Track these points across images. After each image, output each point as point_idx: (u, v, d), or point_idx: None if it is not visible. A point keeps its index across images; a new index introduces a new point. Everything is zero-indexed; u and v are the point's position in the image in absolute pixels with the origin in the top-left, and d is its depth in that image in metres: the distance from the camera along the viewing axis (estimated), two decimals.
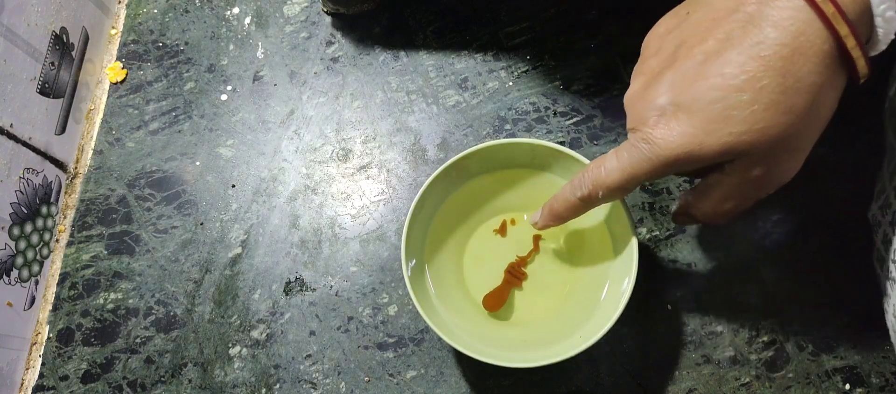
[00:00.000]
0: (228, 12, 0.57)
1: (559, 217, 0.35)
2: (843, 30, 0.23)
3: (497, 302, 0.42)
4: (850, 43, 0.24)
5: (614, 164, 0.29)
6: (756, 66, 0.24)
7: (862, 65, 0.24)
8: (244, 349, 0.47)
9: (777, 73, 0.23)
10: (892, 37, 0.24)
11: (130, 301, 0.49)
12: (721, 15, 0.25)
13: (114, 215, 0.51)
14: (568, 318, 0.41)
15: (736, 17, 0.24)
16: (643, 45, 0.29)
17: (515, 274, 0.43)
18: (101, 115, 0.55)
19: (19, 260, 0.48)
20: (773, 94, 0.24)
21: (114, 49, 0.57)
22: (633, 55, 0.33)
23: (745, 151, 0.25)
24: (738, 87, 0.24)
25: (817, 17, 0.23)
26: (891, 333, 0.35)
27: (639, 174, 0.28)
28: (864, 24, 0.24)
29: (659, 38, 0.28)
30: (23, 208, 0.49)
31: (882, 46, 0.25)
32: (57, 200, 0.52)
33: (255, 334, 0.47)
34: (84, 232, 0.51)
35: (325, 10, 0.55)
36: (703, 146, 0.25)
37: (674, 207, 0.35)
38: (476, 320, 0.42)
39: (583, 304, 0.41)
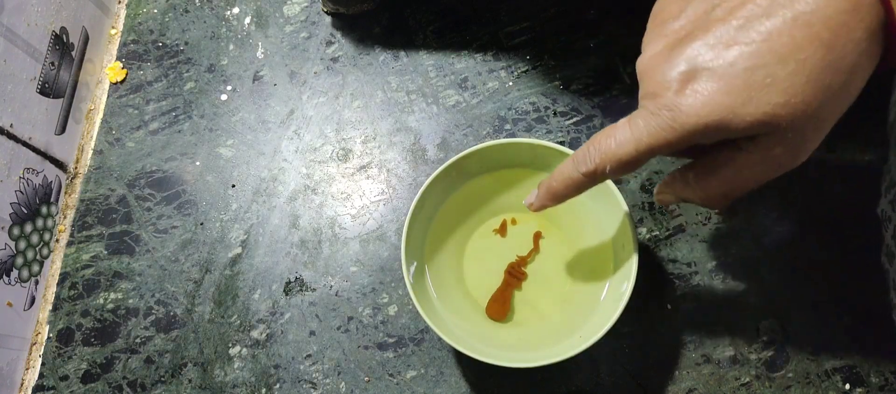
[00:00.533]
0: (228, 12, 0.57)
1: (557, 196, 0.32)
2: None
3: (502, 309, 0.42)
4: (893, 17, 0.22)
5: (627, 134, 0.26)
6: (802, 35, 0.22)
7: None
8: (244, 349, 0.47)
9: (822, 46, 0.22)
10: None
11: (130, 301, 0.49)
12: None
13: (114, 215, 0.51)
14: (568, 318, 0.41)
15: None
16: (657, 8, 0.26)
17: (515, 274, 0.43)
18: (101, 115, 0.55)
19: (19, 260, 0.48)
20: (816, 67, 0.22)
21: (114, 49, 0.57)
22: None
23: (777, 124, 0.23)
24: (782, 56, 0.22)
25: None
26: None
27: (656, 146, 0.25)
28: None
29: (682, 1, 0.25)
30: (23, 208, 0.49)
31: None
32: (57, 200, 0.52)
33: (255, 334, 0.47)
34: (84, 232, 0.51)
35: (325, 10, 0.55)
36: (737, 116, 0.23)
37: (660, 185, 0.31)
38: (476, 320, 0.42)
39: (583, 304, 0.41)
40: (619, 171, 0.27)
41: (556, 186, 0.31)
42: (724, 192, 0.27)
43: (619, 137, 0.26)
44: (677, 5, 0.25)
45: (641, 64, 0.26)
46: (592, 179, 0.29)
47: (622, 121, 0.26)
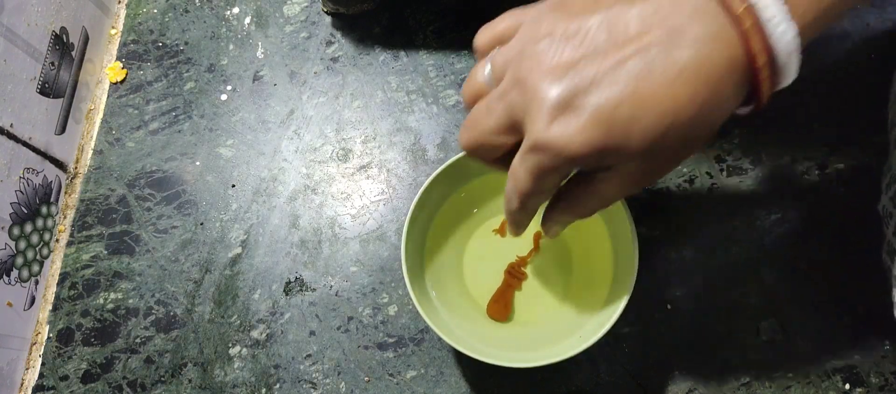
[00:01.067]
0: (228, 12, 0.57)
1: (518, 225, 0.33)
2: (761, 61, 0.23)
3: (502, 310, 0.42)
4: (764, 84, 0.24)
5: (519, 173, 0.28)
6: (681, 89, 0.24)
7: (767, 91, 0.25)
8: (244, 349, 0.47)
9: (696, 100, 0.24)
10: (795, 75, 0.24)
11: (130, 301, 0.49)
12: (648, 24, 0.24)
13: (114, 215, 0.51)
14: (568, 318, 0.41)
15: (660, 29, 0.24)
16: (544, 14, 0.27)
17: (515, 274, 0.43)
18: (101, 115, 0.55)
19: (19, 260, 0.48)
20: (684, 117, 0.24)
21: (114, 49, 0.57)
22: None
23: (635, 157, 0.25)
24: (655, 103, 0.24)
25: (737, 38, 0.23)
26: None
27: (549, 175, 0.27)
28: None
29: (583, 18, 0.26)
30: (23, 208, 0.49)
31: (787, 82, 0.25)
32: (57, 200, 0.52)
33: (255, 334, 0.47)
34: (84, 232, 0.51)
35: (325, 10, 0.55)
36: (612, 150, 0.25)
37: (541, 224, 0.34)
38: (476, 319, 0.42)
39: (583, 304, 0.41)
40: (534, 201, 0.29)
41: (509, 219, 0.33)
42: (592, 209, 0.30)
43: (518, 176, 0.28)
44: (576, 23, 0.26)
45: (520, 66, 0.27)
46: (526, 213, 0.31)
47: (517, 157, 0.28)
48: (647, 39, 0.24)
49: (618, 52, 0.24)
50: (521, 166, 0.27)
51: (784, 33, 0.23)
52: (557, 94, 0.24)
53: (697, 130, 0.25)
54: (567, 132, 0.24)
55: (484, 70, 0.29)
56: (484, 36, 0.29)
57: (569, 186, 0.30)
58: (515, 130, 0.27)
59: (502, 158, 0.29)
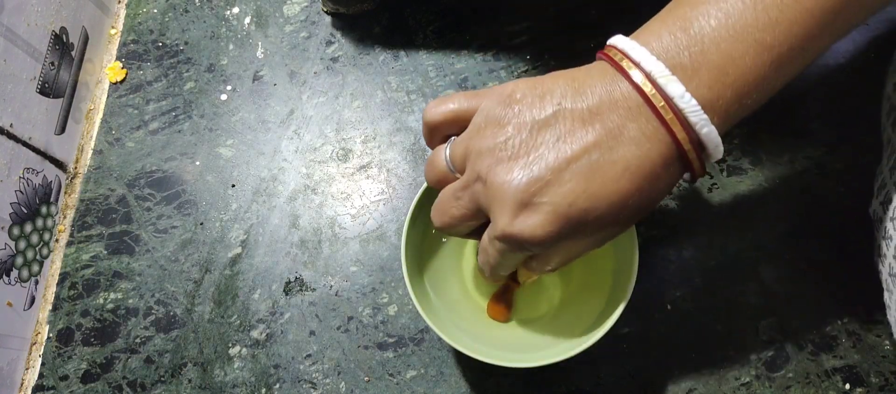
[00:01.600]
0: (228, 12, 0.57)
1: (495, 281, 0.38)
2: (685, 143, 0.27)
3: (503, 310, 0.42)
4: (697, 169, 0.28)
5: (486, 257, 0.32)
6: (628, 184, 0.27)
7: (698, 168, 0.28)
8: (244, 349, 0.47)
9: (638, 193, 0.27)
10: (721, 150, 0.28)
11: (130, 301, 0.49)
12: (588, 121, 0.27)
13: (114, 215, 0.51)
14: (568, 318, 0.41)
15: (602, 130, 0.27)
16: (510, 95, 0.29)
17: (514, 276, 0.43)
18: (100, 115, 0.55)
19: (19, 260, 0.48)
20: (627, 208, 0.28)
21: (113, 49, 0.57)
22: None
23: (589, 236, 0.30)
24: (606, 198, 0.27)
25: (672, 143, 0.27)
26: (893, 329, 0.35)
27: (513, 257, 0.31)
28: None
29: (531, 113, 0.29)
30: (23, 208, 0.49)
31: (717, 157, 0.28)
32: (57, 199, 0.52)
33: (254, 333, 0.47)
34: (84, 232, 0.51)
35: (325, 9, 0.55)
36: (568, 240, 0.29)
37: (518, 273, 0.38)
38: (476, 320, 0.42)
39: (583, 304, 0.41)
40: (504, 271, 0.34)
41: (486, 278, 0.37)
42: (559, 266, 0.33)
43: (488, 254, 0.32)
44: (521, 119, 0.29)
45: (480, 162, 0.29)
46: (497, 277, 0.36)
47: (485, 237, 0.31)
48: (591, 139, 0.27)
49: (566, 151, 0.27)
50: (491, 248, 0.31)
51: (709, 132, 0.26)
52: (518, 194, 0.27)
53: (642, 209, 0.28)
54: (529, 226, 0.28)
55: (443, 154, 0.32)
56: (436, 114, 0.32)
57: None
58: (481, 214, 0.30)
59: (472, 232, 0.33)
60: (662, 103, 0.26)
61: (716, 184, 0.48)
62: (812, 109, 0.49)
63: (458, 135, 0.32)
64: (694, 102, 0.26)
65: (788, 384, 0.43)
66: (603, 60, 0.29)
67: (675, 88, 0.26)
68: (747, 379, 0.43)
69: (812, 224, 0.46)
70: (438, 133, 0.32)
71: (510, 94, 0.29)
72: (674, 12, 0.27)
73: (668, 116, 0.26)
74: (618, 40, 0.28)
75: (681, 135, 0.26)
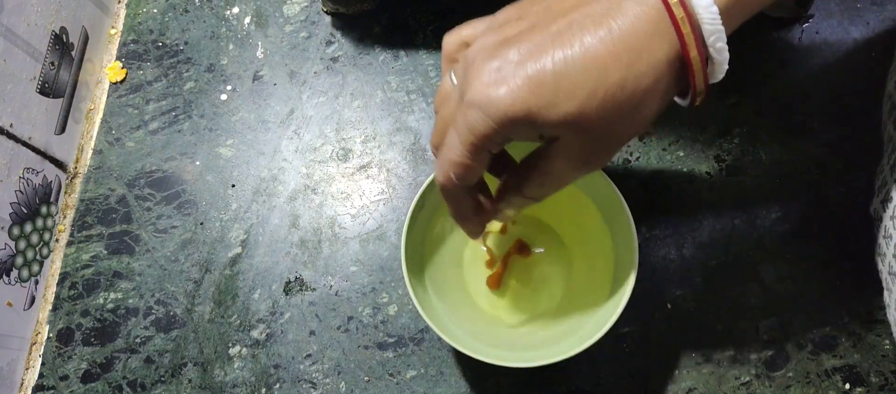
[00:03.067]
0: (228, 12, 0.57)
1: (461, 217, 0.33)
2: (691, 46, 0.25)
3: (497, 276, 0.43)
4: (693, 53, 0.25)
5: (455, 140, 0.28)
6: (607, 53, 0.25)
7: (700, 80, 0.26)
8: (244, 349, 0.47)
9: (622, 66, 0.25)
10: (726, 67, 0.25)
11: (130, 301, 0.49)
12: (586, 3, 0.25)
13: (114, 215, 0.51)
14: (568, 318, 0.41)
15: (598, 4, 0.25)
16: (502, 12, 0.29)
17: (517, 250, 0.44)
18: (100, 114, 0.55)
19: (19, 260, 0.48)
20: (613, 86, 0.25)
21: (113, 49, 0.57)
22: None
23: (571, 127, 0.26)
24: (586, 69, 0.25)
25: (669, 20, 0.24)
26: (892, 327, 0.35)
27: (478, 141, 0.27)
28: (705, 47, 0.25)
29: (520, 9, 0.28)
30: (23, 208, 0.49)
31: (719, 75, 0.26)
32: (57, 199, 0.52)
33: (254, 333, 0.47)
34: (84, 232, 0.51)
35: (325, 9, 0.55)
36: (539, 115, 0.26)
37: (497, 201, 0.33)
38: (476, 320, 0.42)
39: (583, 304, 0.41)
40: (466, 177, 0.29)
41: (451, 213, 0.33)
42: (543, 191, 0.30)
43: (451, 144, 0.28)
44: (515, 11, 0.28)
45: (470, 52, 0.28)
46: (454, 189, 0.30)
47: (451, 129, 0.28)
48: (583, 11, 0.25)
49: (553, 23, 0.25)
50: (454, 134, 0.28)
51: (707, 6, 0.24)
52: (494, 63, 0.26)
53: (629, 101, 0.25)
54: (498, 92, 0.25)
55: (450, 74, 0.30)
56: (451, 42, 0.31)
57: (518, 168, 0.31)
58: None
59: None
60: None
61: (716, 183, 0.48)
62: (813, 108, 0.49)
63: None
64: None
65: (788, 384, 0.43)
66: None
67: None
68: (747, 379, 0.43)
69: (812, 224, 0.46)
70: (452, 65, 0.31)
71: (519, 4, 0.28)
72: None
73: None
74: None
75: (680, 12, 0.24)
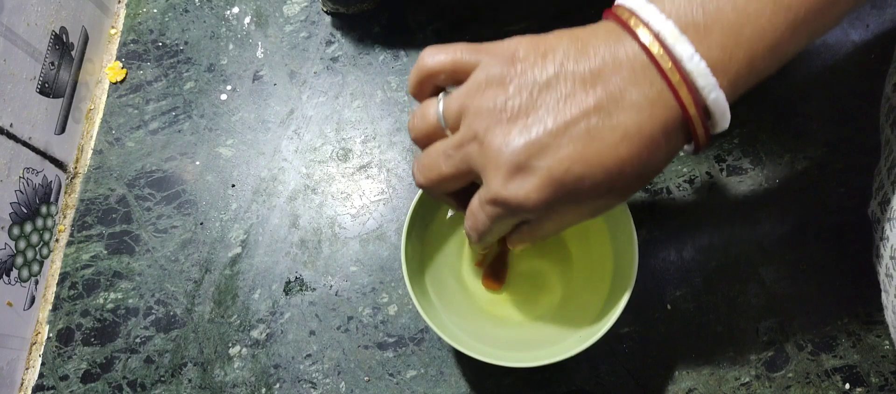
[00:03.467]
0: (228, 12, 0.57)
1: (483, 248, 0.36)
2: (697, 125, 0.26)
3: (497, 280, 0.42)
4: (701, 138, 0.27)
5: (482, 218, 0.31)
6: (621, 157, 0.26)
7: (703, 137, 0.27)
8: (244, 349, 0.47)
9: (633, 162, 0.26)
10: (729, 116, 0.26)
11: (130, 301, 0.49)
12: (589, 83, 0.26)
13: (114, 215, 0.51)
14: (568, 318, 0.41)
15: (603, 93, 0.26)
16: (512, 54, 0.28)
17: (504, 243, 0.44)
18: (100, 114, 0.55)
19: (19, 260, 0.48)
20: (624, 178, 0.27)
21: (113, 49, 0.57)
22: None
23: (590, 213, 0.29)
24: (605, 171, 0.26)
25: (677, 107, 0.26)
26: (890, 329, 0.35)
27: (494, 223, 0.30)
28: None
29: (533, 73, 0.28)
30: (22, 208, 0.48)
31: (723, 126, 0.27)
32: (57, 199, 0.52)
33: (254, 333, 0.47)
34: (84, 232, 0.51)
35: (325, 9, 0.55)
36: (561, 207, 0.28)
37: (508, 239, 0.35)
38: (476, 319, 0.42)
39: (583, 304, 0.41)
40: (492, 237, 0.32)
41: (473, 245, 0.36)
42: (550, 235, 0.32)
43: (477, 218, 0.31)
44: (521, 77, 0.27)
45: (475, 116, 0.28)
46: (484, 244, 0.34)
47: (475, 201, 0.30)
48: (591, 103, 0.26)
49: (565, 114, 0.26)
50: (481, 212, 0.30)
51: (717, 98, 0.25)
52: (513, 156, 0.27)
53: (641, 178, 0.27)
54: (523, 190, 0.27)
55: (436, 109, 0.30)
56: (435, 61, 0.30)
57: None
58: (470, 175, 0.30)
59: (452, 194, 0.32)
60: (670, 65, 0.25)
61: (716, 183, 0.48)
62: (813, 109, 0.49)
63: (445, 89, 0.31)
64: (704, 64, 0.25)
65: (788, 384, 0.43)
66: (610, 20, 0.27)
67: (685, 49, 0.25)
68: (747, 379, 0.43)
69: (812, 224, 0.46)
70: (430, 83, 0.31)
71: (513, 52, 0.28)
72: None
73: (675, 78, 0.25)
74: (627, 0, 0.27)
75: (687, 99, 0.25)
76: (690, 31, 0.25)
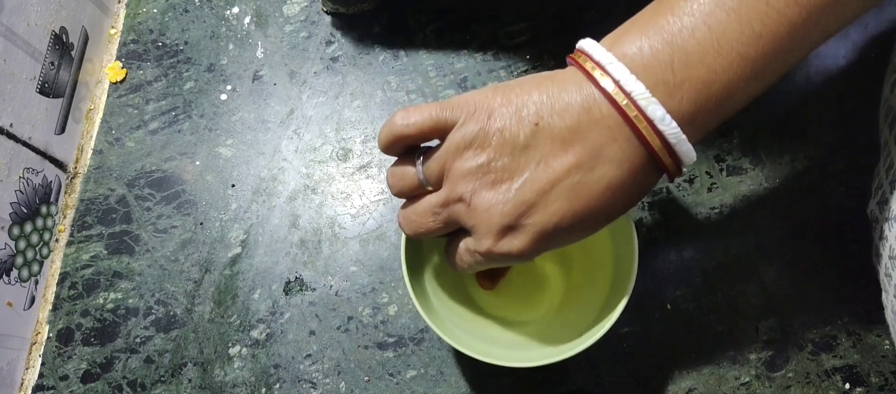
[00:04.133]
0: (228, 12, 0.57)
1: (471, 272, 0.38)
2: (669, 166, 0.28)
3: (493, 276, 0.42)
4: (673, 174, 0.28)
5: (468, 257, 0.32)
6: (601, 205, 0.28)
7: (677, 175, 0.29)
8: (244, 349, 0.47)
9: (616, 206, 0.29)
10: (694, 155, 0.28)
11: (130, 301, 0.49)
12: (567, 142, 0.27)
13: (113, 215, 0.51)
14: (568, 318, 0.41)
15: (582, 151, 0.27)
16: (486, 111, 0.29)
17: None
18: (100, 114, 0.55)
19: (19, 260, 0.48)
20: (615, 209, 0.29)
21: (113, 49, 0.57)
22: None
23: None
24: (584, 219, 0.28)
25: (649, 155, 0.27)
26: (890, 328, 0.35)
27: (483, 266, 0.32)
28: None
29: (510, 133, 0.28)
30: (22, 208, 0.48)
31: (689, 160, 0.28)
32: (57, 199, 0.52)
33: (254, 333, 0.47)
34: (84, 232, 0.51)
35: (325, 9, 0.55)
36: (543, 251, 0.30)
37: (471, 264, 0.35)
38: (476, 320, 0.42)
39: (583, 304, 0.41)
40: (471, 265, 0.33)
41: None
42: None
43: (463, 260, 0.32)
44: (498, 143, 0.29)
45: (460, 182, 0.30)
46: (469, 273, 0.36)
47: (463, 246, 0.32)
48: (572, 161, 0.27)
49: (549, 174, 0.28)
50: (469, 256, 0.31)
51: (687, 150, 0.27)
52: (503, 219, 0.28)
53: (624, 210, 0.29)
54: (514, 246, 0.29)
55: (415, 170, 0.31)
56: (408, 125, 0.30)
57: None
58: (456, 227, 0.31)
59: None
60: (645, 124, 0.26)
61: (716, 184, 0.48)
62: (812, 109, 0.49)
63: (418, 145, 0.32)
64: (674, 124, 0.26)
65: (788, 384, 0.43)
66: (574, 68, 0.28)
67: (656, 111, 0.26)
68: (747, 379, 0.43)
69: (812, 224, 0.46)
70: (402, 143, 0.31)
71: (486, 110, 0.29)
72: (654, 21, 0.27)
73: (650, 136, 0.26)
74: (588, 46, 0.28)
75: (660, 151, 0.27)
76: (660, 89, 0.26)
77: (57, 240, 0.52)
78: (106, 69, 0.56)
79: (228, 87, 0.54)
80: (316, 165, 0.51)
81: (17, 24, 0.48)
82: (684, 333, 0.44)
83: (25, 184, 0.49)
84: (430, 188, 0.31)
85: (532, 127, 0.28)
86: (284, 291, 0.48)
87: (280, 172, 0.51)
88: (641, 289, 0.45)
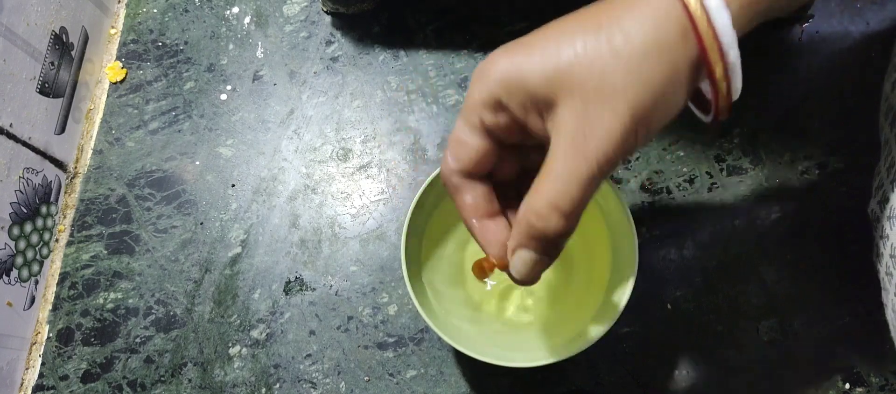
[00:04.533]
0: (228, 12, 0.57)
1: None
2: (714, 56, 0.24)
3: (485, 267, 0.42)
4: (718, 72, 0.24)
5: (461, 123, 0.28)
6: (599, 13, 0.26)
7: (723, 95, 0.25)
8: (244, 349, 0.47)
9: (616, 26, 0.25)
10: (740, 87, 0.25)
11: (130, 301, 0.49)
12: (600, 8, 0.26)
13: (113, 215, 0.51)
14: (568, 318, 0.41)
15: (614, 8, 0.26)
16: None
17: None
18: (100, 114, 0.55)
19: (19, 260, 0.48)
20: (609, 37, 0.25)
21: (113, 49, 0.57)
22: None
23: (563, 83, 0.26)
24: (571, 33, 0.26)
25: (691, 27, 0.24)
26: (890, 328, 0.35)
27: (473, 104, 0.27)
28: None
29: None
30: (22, 208, 0.49)
31: (735, 95, 0.25)
32: (57, 199, 0.52)
33: (254, 333, 0.47)
34: (84, 232, 0.51)
35: (325, 9, 0.55)
36: (531, 65, 0.26)
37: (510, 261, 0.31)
38: (476, 320, 0.42)
39: (583, 304, 0.41)
40: (461, 155, 0.29)
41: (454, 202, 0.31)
42: (549, 204, 0.28)
43: (458, 130, 0.28)
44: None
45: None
46: (452, 176, 0.29)
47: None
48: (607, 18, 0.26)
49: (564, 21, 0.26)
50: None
51: (725, 24, 0.23)
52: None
53: (628, 61, 0.25)
54: (493, 59, 0.27)
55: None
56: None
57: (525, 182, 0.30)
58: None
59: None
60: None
61: (716, 184, 0.47)
62: (813, 108, 0.49)
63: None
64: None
65: (788, 384, 0.43)
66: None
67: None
68: (747, 379, 0.43)
69: (812, 224, 0.46)
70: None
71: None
72: None
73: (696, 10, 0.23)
74: None
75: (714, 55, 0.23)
76: None
77: (57, 240, 0.52)
78: (106, 69, 0.56)
79: (228, 87, 0.54)
80: (316, 164, 0.51)
81: (17, 24, 0.48)
82: (684, 333, 0.44)
83: (25, 184, 0.49)
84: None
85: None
86: (284, 290, 0.48)
87: (280, 172, 0.51)
88: (641, 289, 0.45)
